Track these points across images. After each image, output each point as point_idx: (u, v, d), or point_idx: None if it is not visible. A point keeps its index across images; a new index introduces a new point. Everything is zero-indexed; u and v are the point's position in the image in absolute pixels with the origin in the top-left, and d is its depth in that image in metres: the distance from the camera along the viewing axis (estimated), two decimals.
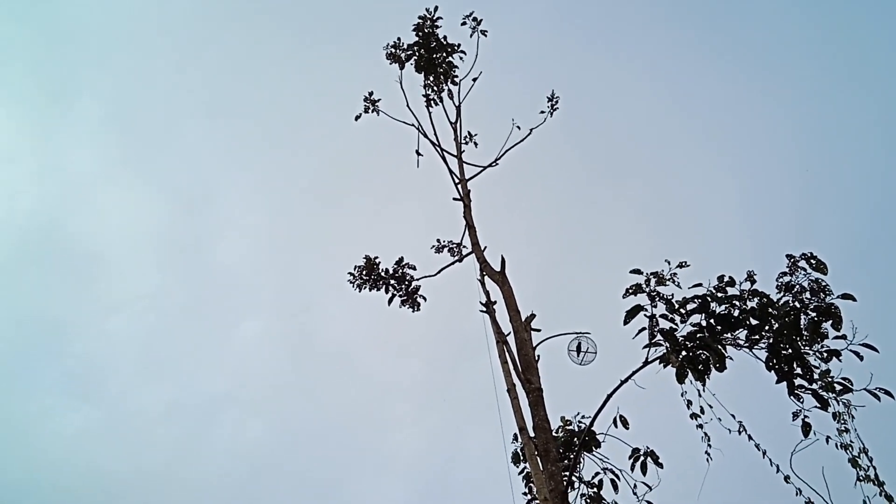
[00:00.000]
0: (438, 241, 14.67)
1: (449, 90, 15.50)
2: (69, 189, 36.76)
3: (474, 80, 15.41)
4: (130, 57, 37.31)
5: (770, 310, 7.55)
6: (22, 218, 35.53)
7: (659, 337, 8.01)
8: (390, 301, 14.07)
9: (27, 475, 29.53)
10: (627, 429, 9.38)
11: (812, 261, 7.59)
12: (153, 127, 38.37)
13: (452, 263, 13.95)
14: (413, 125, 15.03)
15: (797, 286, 7.63)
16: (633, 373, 8.28)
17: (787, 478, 7.47)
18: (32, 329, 34.56)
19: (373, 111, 15.44)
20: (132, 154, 38.34)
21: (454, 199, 13.69)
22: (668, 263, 8.33)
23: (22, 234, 35.55)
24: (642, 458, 9.36)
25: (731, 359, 7.69)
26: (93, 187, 37.35)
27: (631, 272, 8.41)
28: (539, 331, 10.53)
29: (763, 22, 35.40)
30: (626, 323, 8.16)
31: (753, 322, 7.67)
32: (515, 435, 10.64)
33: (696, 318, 7.93)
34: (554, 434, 9.56)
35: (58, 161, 36.16)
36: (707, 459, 8.24)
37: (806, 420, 7.51)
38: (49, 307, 35.03)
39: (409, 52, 15.38)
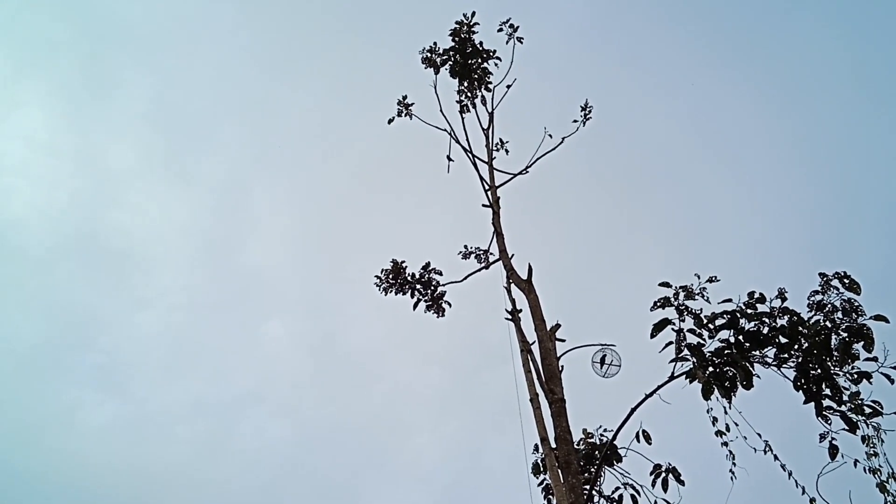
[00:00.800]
0: (466, 247, 14.63)
1: (482, 96, 15.50)
2: (105, 184, 37.39)
3: (508, 87, 15.41)
4: (170, 57, 38.00)
5: (800, 328, 7.43)
6: (58, 211, 36.23)
7: (686, 352, 7.92)
8: (416, 306, 14.05)
9: (52, 467, 30.00)
10: (650, 444, 9.28)
11: (845, 280, 7.45)
12: (189, 126, 38.98)
13: (479, 270, 13.92)
14: (445, 130, 15.04)
15: (829, 305, 7.49)
16: (659, 387, 8.19)
17: (812, 500, 7.33)
18: (63, 322, 35.20)
19: (406, 115, 15.48)
20: (168, 152, 38.95)
21: (483, 205, 13.67)
22: (698, 277, 8.24)
23: (58, 227, 36.23)
24: (664, 474, 9.23)
25: (758, 377, 7.59)
26: (128, 183, 37.98)
27: (660, 285, 8.32)
28: (564, 341, 10.46)
29: (790, 38, 35.21)
30: (652, 336, 8.08)
31: (783, 340, 7.55)
32: (536, 445, 10.57)
33: (724, 334, 7.84)
34: (575, 446, 9.48)
35: (95, 156, 36.84)
36: (731, 478, 8.11)
37: (833, 442, 7.39)
38: (80, 300, 35.64)
39: (444, 57, 15.39)
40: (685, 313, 8.10)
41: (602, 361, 10.38)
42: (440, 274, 14.05)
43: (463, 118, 15.20)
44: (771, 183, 35.19)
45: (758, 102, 36.12)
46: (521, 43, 15.38)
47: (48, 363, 33.64)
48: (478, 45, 15.28)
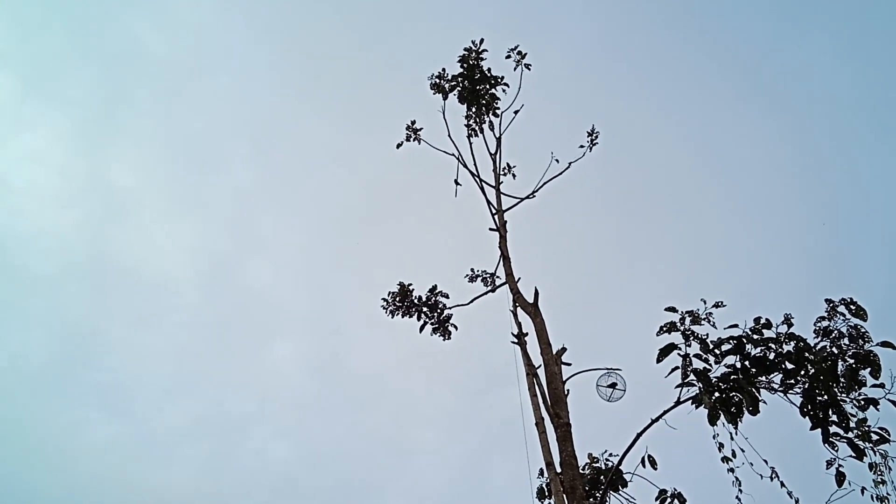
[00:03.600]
0: (472, 270, 14.69)
1: (490, 121, 15.59)
2: (113, 204, 37.56)
3: (516, 112, 15.48)
4: (180, 78, 38.35)
5: (807, 354, 7.43)
6: (67, 231, 36.42)
7: (692, 377, 7.91)
8: (422, 328, 14.08)
9: (55, 485, 29.92)
10: (655, 469, 9.24)
11: (851, 306, 7.46)
12: (197, 146, 39.23)
13: (485, 293, 13.93)
14: (453, 155, 15.14)
15: (835, 331, 7.50)
16: (665, 412, 8.17)
17: None
18: (69, 340, 35.24)
19: (414, 140, 15.59)
20: (176, 172, 39.26)
21: (490, 229, 13.73)
22: (704, 302, 8.25)
23: (66, 247, 36.41)
24: (669, 500, 9.20)
25: (764, 402, 7.57)
26: (136, 204, 38.16)
27: (665, 310, 8.34)
28: (569, 365, 10.46)
29: (792, 63, 35.49)
30: (658, 361, 8.08)
31: (789, 366, 7.54)
32: (541, 470, 10.54)
33: (730, 360, 7.83)
34: (581, 471, 9.44)
35: (104, 177, 37.08)
36: None
37: (840, 469, 7.35)
38: (86, 320, 35.72)
39: (453, 83, 15.52)
40: (691, 338, 8.11)
41: (607, 385, 10.37)
42: (447, 297, 14.11)
43: (471, 143, 15.30)
44: (776, 207, 35.28)
45: (762, 126, 36.35)
46: (529, 69, 15.50)
47: (53, 381, 33.68)
48: (486, 72, 15.41)
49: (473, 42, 15.30)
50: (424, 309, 14.08)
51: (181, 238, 39.68)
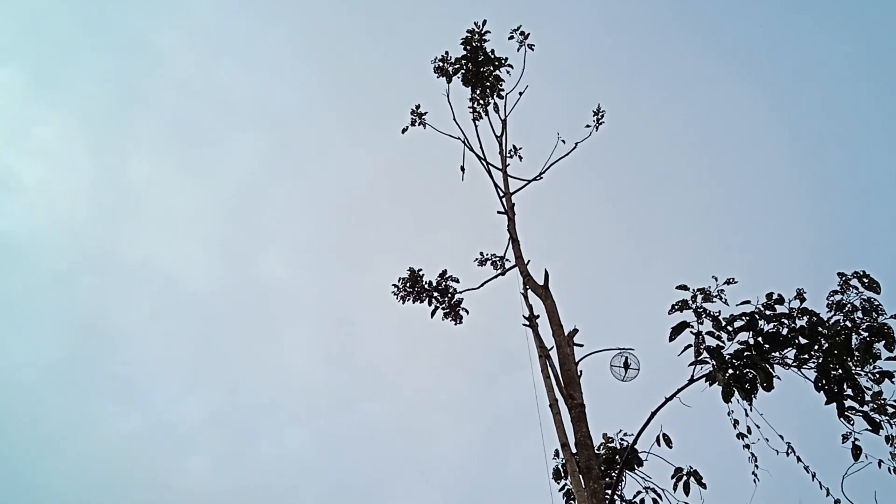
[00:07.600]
0: (482, 254, 14.65)
1: (495, 104, 15.51)
2: (124, 197, 37.68)
3: (520, 93, 15.39)
4: (186, 67, 38.30)
5: (820, 329, 7.38)
6: (79, 225, 36.61)
7: (705, 354, 7.88)
8: (433, 313, 14.09)
9: (74, 478, 30.23)
10: (671, 447, 9.25)
11: (864, 279, 7.41)
12: (206, 136, 39.27)
13: (495, 277, 13.92)
14: (459, 138, 15.07)
15: (849, 305, 7.45)
16: (679, 390, 8.15)
17: (837, 501, 7.29)
18: (85, 335, 35.48)
19: (419, 124, 15.51)
20: (185, 164, 39.35)
21: (498, 212, 13.68)
22: (716, 280, 8.21)
23: (78, 242, 36.59)
24: (685, 477, 9.20)
25: (779, 378, 7.54)
26: (147, 196, 38.27)
27: (677, 288, 8.30)
28: (582, 346, 10.45)
29: (795, 41, 35.20)
30: (671, 339, 8.05)
31: (802, 341, 7.50)
32: (557, 451, 10.55)
33: (743, 336, 7.80)
34: (596, 451, 9.45)
35: (114, 170, 37.19)
36: (754, 481, 8.08)
37: (856, 443, 7.33)
38: (101, 313, 35.95)
39: (456, 66, 15.42)
40: (703, 316, 8.07)
41: (621, 365, 10.36)
42: (457, 281, 14.10)
43: (476, 126, 15.22)
44: (787, 184, 35.05)
45: (770, 104, 36.03)
46: (532, 50, 15.40)
47: (70, 376, 33.98)
48: (489, 53, 15.31)
49: (476, 24, 15.20)
50: (435, 294, 14.09)
51: (193, 230, 39.82)
